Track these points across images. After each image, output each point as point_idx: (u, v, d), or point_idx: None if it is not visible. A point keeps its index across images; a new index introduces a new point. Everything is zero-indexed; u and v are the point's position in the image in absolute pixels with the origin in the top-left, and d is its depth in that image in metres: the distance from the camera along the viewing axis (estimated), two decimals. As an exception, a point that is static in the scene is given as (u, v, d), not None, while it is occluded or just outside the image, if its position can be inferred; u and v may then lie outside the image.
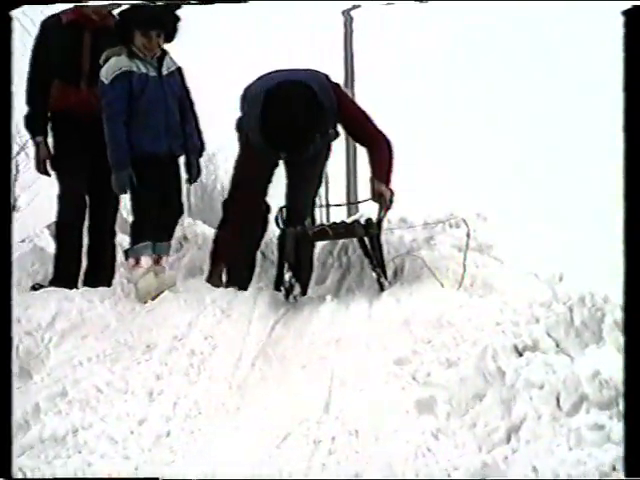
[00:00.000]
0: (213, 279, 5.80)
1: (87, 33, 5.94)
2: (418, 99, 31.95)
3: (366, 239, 5.44)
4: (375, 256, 5.40)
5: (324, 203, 5.74)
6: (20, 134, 6.07)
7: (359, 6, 19.69)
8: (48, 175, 6.07)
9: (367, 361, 4.39)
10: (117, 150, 5.51)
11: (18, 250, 6.97)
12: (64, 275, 5.88)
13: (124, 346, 4.69)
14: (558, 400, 3.61)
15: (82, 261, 6.11)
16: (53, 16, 6.06)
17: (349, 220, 5.83)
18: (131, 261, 5.59)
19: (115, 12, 5.83)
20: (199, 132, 5.88)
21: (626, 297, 3.35)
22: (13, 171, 20.99)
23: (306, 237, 5.48)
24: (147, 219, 5.59)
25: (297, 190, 5.83)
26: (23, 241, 7.44)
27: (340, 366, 4.36)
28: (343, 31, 20.03)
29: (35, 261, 6.56)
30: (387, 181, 5.49)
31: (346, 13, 20.12)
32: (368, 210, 5.64)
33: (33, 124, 6.01)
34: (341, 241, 5.93)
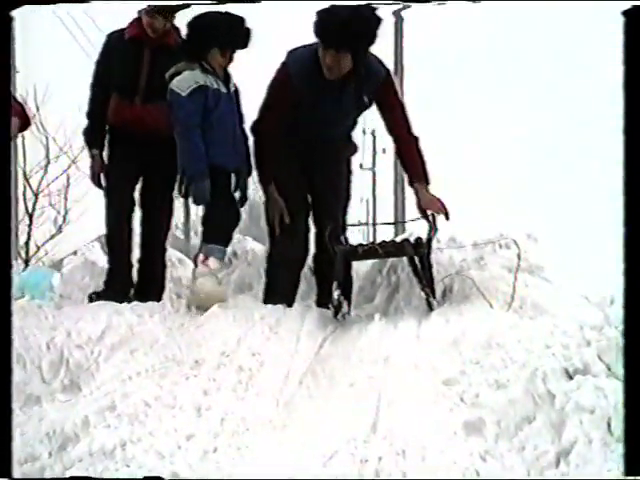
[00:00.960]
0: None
1: (147, 49, 6.02)
2: (467, 108, 31.88)
3: (415, 258, 5.42)
4: (424, 275, 5.39)
5: (372, 222, 5.70)
6: (72, 148, 6.19)
7: (409, 6, 19.68)
8: (101, 188, 6.14)
9: (415, 381, 4.36)
10: (198, 162, 5.53)
11: (69, 263, 7.04)
12: (114, 287, 5.94)
13: (172, 361, 4.70)
14: (609, 425, 3.57)
15: (132, 273, 6.16)
16: (117, 30, 6.14)
17: (398, 239, 5.82)
18: (201, 256, 5.62)
19: (184, 24, 5.87)
20: (248, 152, 5.91)
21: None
22: (64, 183, 21.21)
23: (356, 255, 5.48)
24: (219, 225, 5.63)
25: (327, 207, 5.91)
26: (74, 254, 7.50)
27: (388, 385, 4.34)
28: (393, 32, 20.02)
29: (85, 274, 6.62)
30: (427, 180, 5.56)
31: (397, 13, 20.10)
32: (417, 229, 5.63)
33: (91, 137, 6.10)
34: (390, 260, 5.92)
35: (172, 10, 5.99)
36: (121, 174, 6.06)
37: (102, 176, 6.10)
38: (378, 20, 5.53)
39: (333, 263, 5.55)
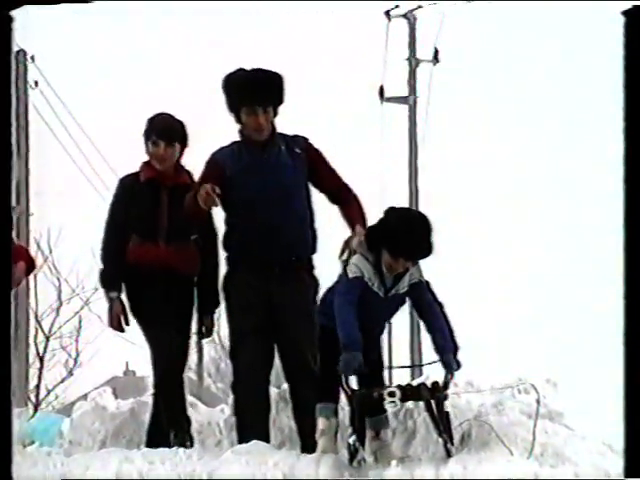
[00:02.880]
0: None
1: (164, 190, 6.07)
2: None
3: (432, 402, 5.33)
4: (441, 420, 5.29)
5: (388, 365, 5.63)
6: (84, 290, 6.17)
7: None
8: (122, 331, 6.11)
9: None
10: (351, 331, 5.27)
11: (80, 408, 6.96)
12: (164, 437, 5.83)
13: (184, 509, 4.60)
14: None
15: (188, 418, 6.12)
16: (131, 174, 6.21)
17: (415, 382, 5.74)
18: None
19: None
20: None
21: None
22: (75, 326, 21.21)
23: (371, 400, 5.39)
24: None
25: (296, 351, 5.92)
26: (85, 398, 7.44)
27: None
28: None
29: (95, 420, 6.55)
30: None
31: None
32: (434, 372, 5.56)
33: (109, 280, 6.10)
34: (406, 404, 5.83)
35: (177, 138, 6.07)
36: (160, 314, 6.02)
37: (122, 319, 6.05)
38: (280, 76, 5.91)
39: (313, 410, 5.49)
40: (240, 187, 5.89)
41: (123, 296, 6.10)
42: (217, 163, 5.95)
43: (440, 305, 5.50)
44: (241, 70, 5.89)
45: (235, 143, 6.01)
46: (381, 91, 20.78)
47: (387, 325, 5.72)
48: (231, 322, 6.08)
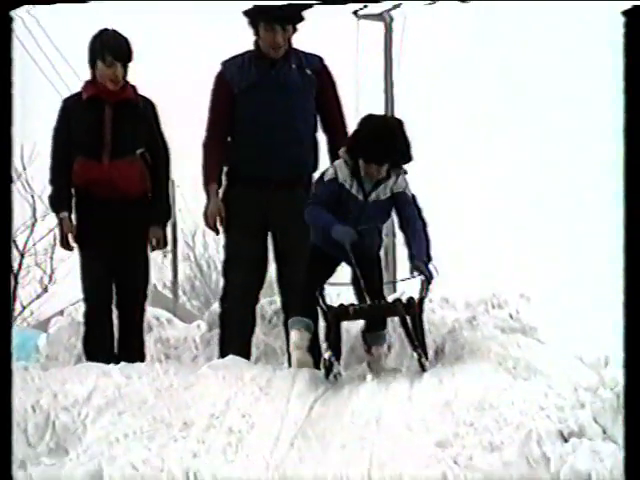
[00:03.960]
0: None
1: (108, 107, 5.97)
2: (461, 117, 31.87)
3: (407, 318, 5.38)
4: (416, 336, 5.34)
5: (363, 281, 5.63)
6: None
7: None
8: (71, 250, 6.06)
9: (408, 443, 4.31)
10: (328, 218, 5.37)
11: (56, 323, 6.97)
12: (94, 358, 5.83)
13: (161, 423, 4.63)
14: (606, 489, 3.52)
15: (113, 341, 6.09)
16: (74, 94, 6.12)
17: (390, 299, 5.78)
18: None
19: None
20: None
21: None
22: (50, 242, 21.15)
23: (347, 315, 5.43)
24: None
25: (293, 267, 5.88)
26: (61, 314, 7.44)
27: (380, 447, 4.28)
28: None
29: (72, 335, 6.56)
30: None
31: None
32: (409, 289, 5.59)
33: (56, 201, 6.03)
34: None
35: (131, 58, 5.97)
36: (94, 235, 5.98)
37: (71, 238, 6.00)
38: None
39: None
40: (245, 104, 5.90)
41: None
42: (225, 81, 5.94)
43: (423, 222, 5.53)
44: None
45: (247, 54, 5.97)
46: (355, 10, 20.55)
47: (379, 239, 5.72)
48: (226, 236, 6.11)
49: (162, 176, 6.17)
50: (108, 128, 5.94)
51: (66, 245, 6.04)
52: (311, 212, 5.47)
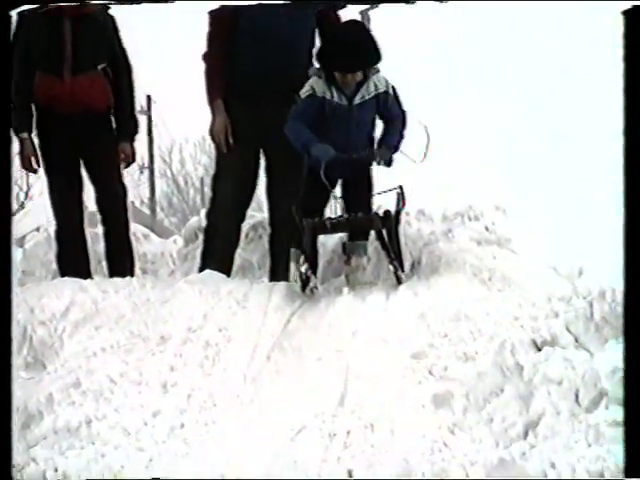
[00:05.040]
0: None
1: (67, 21, 5.80)
2: (435, 95, 31.78)
3: (384, 231, 5.39)
4: (392, 249, 5.35)
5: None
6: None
7: (376, 6, 19.62)
8: (34, 172, 5.97)
9: (383, 354, 4.35)
10: (308, 137, 5.37)
11: (32, 239, 6.96)
12: (69, 271, 5.82)
13: (138, 337, 4.66)
14: (577, 396, 3.57)
15: (87, 259, 6.07)
16: (30, 8, 5.92)
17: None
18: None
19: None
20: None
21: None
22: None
23: (324, 228, 5.44)
24: None
25: (286, 181, 5.86)
26: (37, 230, 7.42)
27: (356, 359, 4.32)
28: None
29: (48, 251, 6.55)
30: None
31: (364, 13, 20.04)
32: (385, 202, 5.59)
33: (16, 121, 5.79)
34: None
35: None
36: (60, 154, 5.91)
37: (33, 160, 5.93)
38: None
39: (294, 236, 5.53)
40: (247, 19, 5.83)
41: (34, 136, 5.97)
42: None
43: (403, 113, 5.54)
44: None
45: None
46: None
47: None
48: (218, 149, 6.04)
49: (125, 90, 6.07)
50: (68, 43, 5.79)
51: (29, 167, 5.94)
52: (291, 128, 5.45)
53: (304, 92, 5.46)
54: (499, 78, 32.43)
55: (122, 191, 6.10)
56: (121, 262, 6.07)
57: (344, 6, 5.89)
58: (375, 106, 5.49)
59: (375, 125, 5.58)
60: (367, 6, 19.19)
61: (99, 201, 6.07)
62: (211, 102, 5.94)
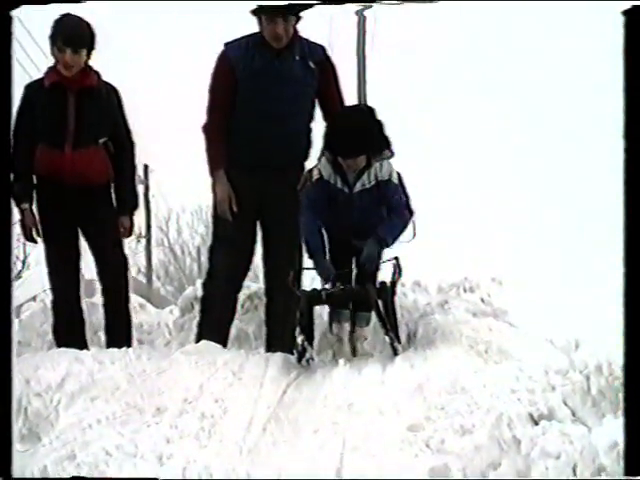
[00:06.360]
0: None
1: (70, 95, 5.86)
2: (444, 117, 31.81)
3: (380, 302, 5.40)
4: (388, 320, 5.36)
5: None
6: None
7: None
8: (35, 242, 5.98)
9: (380, 427, 4.32)
10: (311, 238, 5.46)
11: (28, 309, 6.95)
12: (65, 342, 5.81)
13: (134, 409, 4.63)
14: (574, 471, 3.54)
15: (84, 329, 6.07)
16: (36, 80, 5.99)
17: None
18: None
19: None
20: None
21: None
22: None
23: (319, 299, 5.44)
24: None
25: (282, 250, 5.92)
26: (33, 300, 7.42)
27: (352, 431, 4.29)
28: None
29: (44, 321, 6.54)
30: None
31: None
32: (382, 273, 5.60)
33: (18, 192, 5.85)
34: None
35: (84, 44, 5.84)
36: (58, 224, 5.92)
37: (34, 231, 5.90)
38: None
39: (289, 306, 5.54)
40: (247, 91, 5.88)
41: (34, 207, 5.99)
42: (229, 59, 5.90)
43: (410, 211, 5.54)
44: None
45: (251, 39, 5.92)
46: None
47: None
48: (216, 220, 6.10)
49: (126, 165, 6.12)
50: (71, 116, 5.85)
51: (30, 237, 5.96)
52: (305, 225, 5.52)
53: (314, 175, 5.50)
54: (497, 86, 32.39)
55: (123, 263, 6.11)
56: (119, 333, 6.07)
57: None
58: (376, 194, 5.51)
59: (383, 208, 5.58)
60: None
61: (100, 272, 6.08)
62: (212, 172, 5.97)
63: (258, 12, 5.80)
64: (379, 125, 5.44)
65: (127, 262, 6.15)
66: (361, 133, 5.40)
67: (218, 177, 5.93)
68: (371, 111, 5.49)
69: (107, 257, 6.05)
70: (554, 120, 30.52)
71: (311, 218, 5.46)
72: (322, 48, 6.05)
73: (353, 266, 5.43)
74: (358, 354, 5.48)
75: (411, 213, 5.52)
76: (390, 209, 5.51)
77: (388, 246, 5.45)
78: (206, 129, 6.02)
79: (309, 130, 6.04)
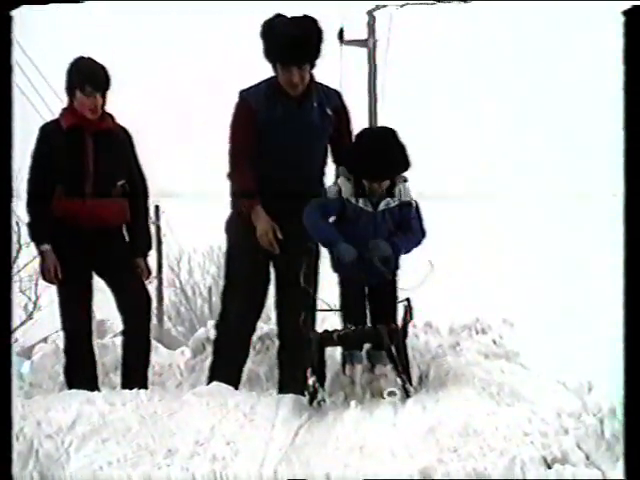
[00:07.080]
0: None
1: (88, 137, 5.88)
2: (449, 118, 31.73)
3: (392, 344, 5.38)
4: (400, 361, 5.34)
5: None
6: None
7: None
8: (55, 284, 5.96)
9: (392, 470, 4.30)
10: (326, 229, 5.49)
11: (40, 351, 6.95)
12: (78, 382, 5.80)
13: (145, 450, 4.61)
14: (589, 515, 3.52)
15: (95, 371, 6.06)
16: (52, 121, 6.00)
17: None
18: None
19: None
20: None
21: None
22: (35, 269, 21.12)
23: (331, 341, 5.43)
24: None
25: (294, 294, 5.84)
26: (45, 341, 7.41)
27: (364, 474, 4.27)
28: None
29: (56, 363, 6.53)
30: None
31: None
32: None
33: (38, 233, 5.90)
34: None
35: (109, 87, 5.88)
36: (73, 265, 5.90)
37: (54, 271, 5.86)
38: (320, 29, 5.77)
39: (301, 348, 5.53)
40: (268, 139, 5.87)
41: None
42: (250, 107, 5.88)
43: (423, 233, 5.57)
44: (279, 20, 5.72)
45: (267, 85, 5.91)
46: (340, 34, 20.62)
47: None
48: (229, 261, 6.11)
49: (141, 207, 6.16)
50: (90, 160, 5.86)
51: (51, 279, 5.91)
52: (313, 222, 5.54)
53: (331, 192, 5.52)
54: (497, 90, 32.31)
55: (146, 301, 6.11)
56: (137, 374, 6.05)
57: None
58: (398, 215, 5.53)
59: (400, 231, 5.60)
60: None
61: (122, 311, 6.06)
62: (250, 209, 5.88)
63: (273, 60, 5.81)
64: (403, 147, 5.47)
65: (150, 301, 6.16)
66: (389, 154, 5.43)
67: (256, 214, 5.85)
68: (394, 133, 5.51)
69: (129, 295, 6.05)
70: (554, 120, 30.53)
71: (319, 217, 5.47)
72: (338, 94, 6.08)
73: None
74: (380, 392, 5.43)
75: (424, 235, 5.56)
76: (408, 229, 5.53)
77: (399, 252, 5.47)
78: (231, 177, 6.00)
79: (322, 174, 6.06)
